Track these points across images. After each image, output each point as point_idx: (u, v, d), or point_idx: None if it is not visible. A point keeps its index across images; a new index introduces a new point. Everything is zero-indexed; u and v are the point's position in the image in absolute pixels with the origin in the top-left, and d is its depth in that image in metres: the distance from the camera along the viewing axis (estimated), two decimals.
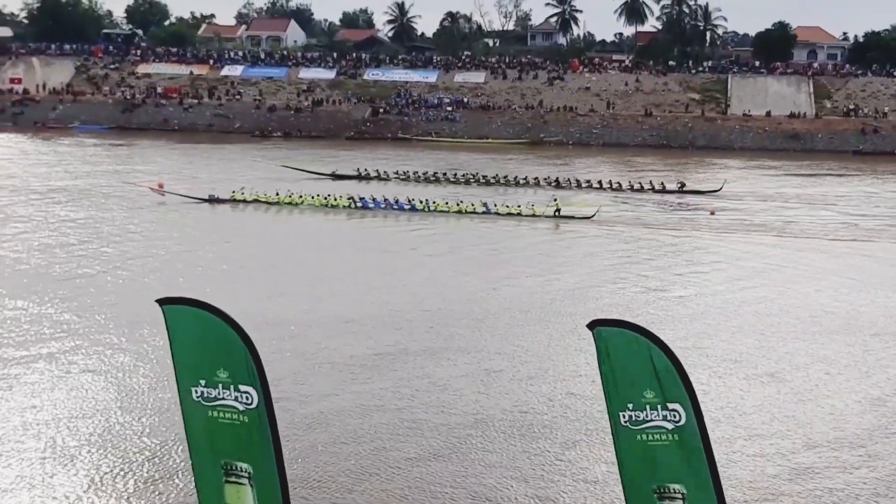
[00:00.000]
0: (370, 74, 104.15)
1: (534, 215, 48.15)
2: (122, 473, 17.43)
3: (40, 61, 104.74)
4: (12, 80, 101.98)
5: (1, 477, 17.18)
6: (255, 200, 50.52)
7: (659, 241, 43.09)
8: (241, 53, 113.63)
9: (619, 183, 59.06)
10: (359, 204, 49.76)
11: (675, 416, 8.94)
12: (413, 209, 48.84)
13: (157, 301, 9.13)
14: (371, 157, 71.89)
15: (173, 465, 17.65)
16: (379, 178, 61.18)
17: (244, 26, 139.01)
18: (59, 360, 23.83)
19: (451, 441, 19.39)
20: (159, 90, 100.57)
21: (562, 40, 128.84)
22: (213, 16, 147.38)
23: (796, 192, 59.76)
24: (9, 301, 29.29)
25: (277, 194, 50.80)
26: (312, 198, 50.43)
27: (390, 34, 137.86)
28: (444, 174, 61.86)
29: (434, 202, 49.45)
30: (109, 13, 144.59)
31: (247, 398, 8.73)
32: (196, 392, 8.83)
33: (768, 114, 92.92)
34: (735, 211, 51.82)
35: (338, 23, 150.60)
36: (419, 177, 61.49)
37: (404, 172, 62.20)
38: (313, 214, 48.81)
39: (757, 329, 28.30)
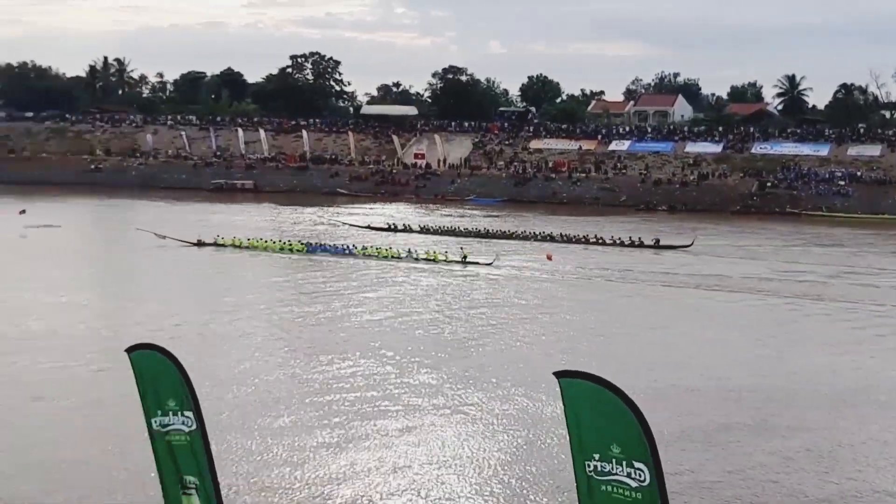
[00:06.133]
0: (758, 148, 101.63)
1: (447, 260, 54.66)
2: None
3: (442, 138, 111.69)
4: (416, 156, 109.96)
5: None
6: (231, 244, 59.08)
7: None
8: (628, 128, 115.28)
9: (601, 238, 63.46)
10: (309, 249, 58.10)
11: None
12: (351, 254, 56.68)
13: (554, 374, 9.53)
14: (754, 232, 70.41)
15: None
16: (406, 230, 69.12)
17: (632, 102, 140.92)
18: (455, 419, 25.44)
19: None
20: (549, 164, 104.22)
21: None
22: (602, 92, 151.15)
23: None
24: (413, 364, 31.60)
25: (249, 239, 59.71)
26: (274, 242, 59.21)
27: (779, 107, 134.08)
28: (458, 228, 69.48)
29: (365, 248, 57.36)
30: (505, 92, 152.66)
31: (640, 475, 8.88)
32: (590, 466, 9.12)
33: None
34: None
35: (725, 97, 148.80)
36: (439, 230, 69.22)
37: (427, 226, 70.44)
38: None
39: None
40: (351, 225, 72.57)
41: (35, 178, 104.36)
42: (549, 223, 72.34)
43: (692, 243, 61.46)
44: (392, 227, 70.51)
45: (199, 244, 59.84)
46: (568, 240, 64.20)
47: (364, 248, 57.61)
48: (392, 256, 55.70)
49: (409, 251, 56.31)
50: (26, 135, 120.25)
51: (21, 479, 21.35)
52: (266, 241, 59.54)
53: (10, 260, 54.00)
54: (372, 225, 71.68)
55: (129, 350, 10.74)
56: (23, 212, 68.77)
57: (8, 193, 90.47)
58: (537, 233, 66.78)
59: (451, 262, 54.56)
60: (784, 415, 26.63)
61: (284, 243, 59.07)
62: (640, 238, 62.41)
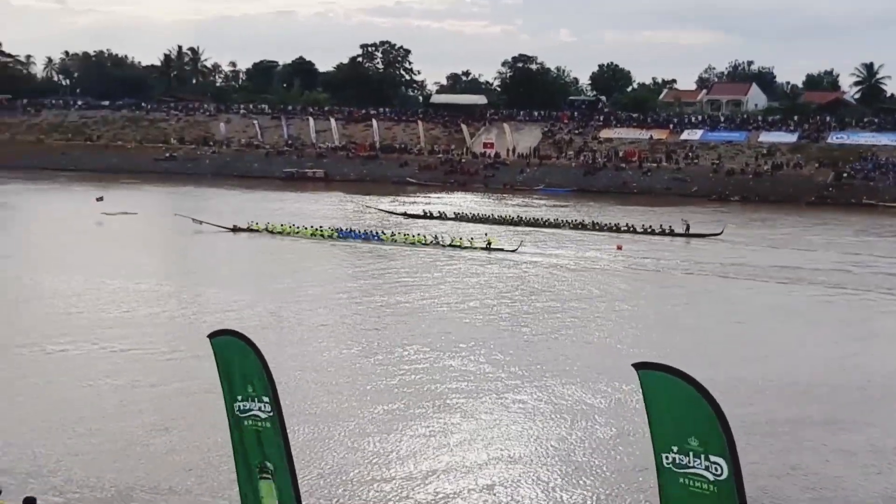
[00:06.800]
0: (834, 138, 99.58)
1: (472, 247, 55.57)
2: None
3: (511, 127, 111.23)
4: (485, 145, 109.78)
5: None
6: (265, 230, 60.75)
7: None
8: (700, 118, 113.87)
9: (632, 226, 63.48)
10: (340, 234, 59.32)
11: None
12: (379, 239, 57.97)
13: (633, 365, 9.52)
14: (829, 224, 69.56)
15: None
16: (441, 217, 70.36)
17: (704, 91, 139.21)
18: (538, 411, 25.50)
19: None
20: (620, 154, 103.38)
21: None
22: (674, 81, 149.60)
23: None
24: (483, 350, 31.69)
25: (282, 225, 61.23)
26: (305, 228, 60.25)
27: (857, 96, 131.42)
28: (491, 216, 70.36)
29: (393, 234, 58.85)
30: (575, 80, 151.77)
31: (717, 469, 8.85)
32: (668, 458, 9.10)
33: None
34: None
35: (801, 85, 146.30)
36: (473, 217, 70.25)
37: (461, 213, 71.52)
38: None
39: None
40: (385, 211, 74.17)
41: (111, 165, 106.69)
42: (581, 212, 72.03)
43: (722, 231, 61.40)
44: (427, 214, 71.95)
45: (235, 230, 61.40)
46: (599, 228, 64.15)
47: (392, 234, 59.06)
48: (419, 242, 56.85)
49: (436, 237, 57.40)
50: (103, 123, 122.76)
51: (97, 461, 21.82)
52: (298, 227, 60.69)
53: (92, 247, 55.23)
54: (408, 212, 73.17)
55: (212, 336, 10.94)
56: (100, 199, 70.13)
57: (85, 180, 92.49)
58: (569, 220, 67.13)
59: (476, 248, 55.41)
60: (855, 412, 26.13)
61: (316, 229, 60.19)
62: (670, 226, 62.51)
